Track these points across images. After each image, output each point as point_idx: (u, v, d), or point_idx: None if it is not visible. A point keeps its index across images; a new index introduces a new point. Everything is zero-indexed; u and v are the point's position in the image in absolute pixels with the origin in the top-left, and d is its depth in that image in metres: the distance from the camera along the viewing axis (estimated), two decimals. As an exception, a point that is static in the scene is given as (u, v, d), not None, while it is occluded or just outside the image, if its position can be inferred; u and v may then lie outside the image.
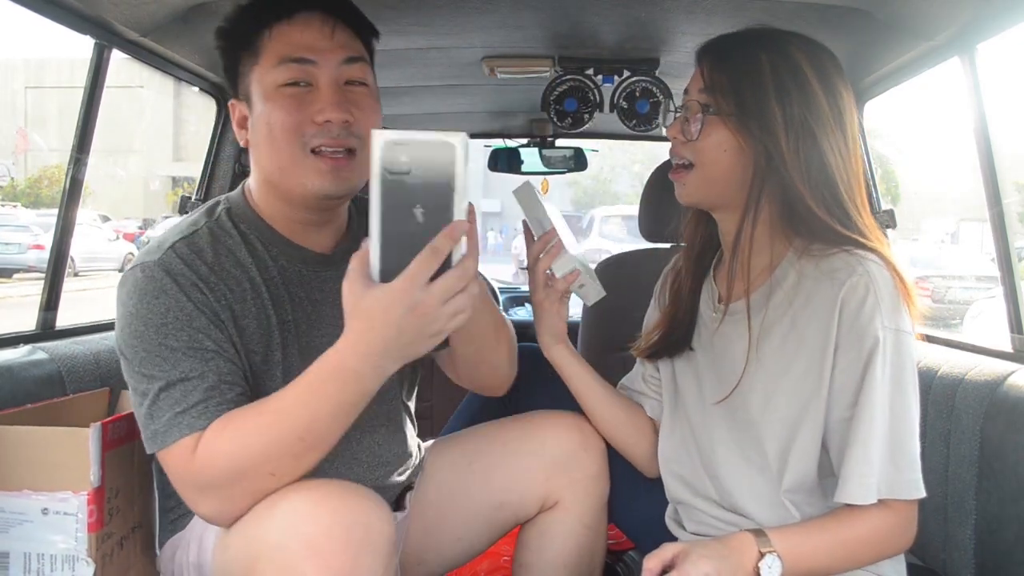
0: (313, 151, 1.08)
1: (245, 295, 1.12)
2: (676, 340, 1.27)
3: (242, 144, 1.16)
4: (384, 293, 0.89)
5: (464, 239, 0.90)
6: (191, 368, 1.02)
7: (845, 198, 1.11)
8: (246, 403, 1.07)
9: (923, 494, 1.06)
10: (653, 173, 2.04)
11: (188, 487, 1.03)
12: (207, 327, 1.05)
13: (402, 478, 1.30)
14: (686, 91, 1.20)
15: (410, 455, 1.32)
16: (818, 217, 1.10)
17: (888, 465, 1.04)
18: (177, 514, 1.20)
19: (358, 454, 1.21)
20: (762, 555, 1.03)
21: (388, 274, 0.90)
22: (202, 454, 0.99)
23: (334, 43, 1.10)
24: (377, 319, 0.90)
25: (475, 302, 0.94)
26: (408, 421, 1.35)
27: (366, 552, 0.89)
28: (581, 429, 1.35)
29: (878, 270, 1.06)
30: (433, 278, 0.89)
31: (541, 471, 1.32)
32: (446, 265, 0.90)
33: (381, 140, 0.87)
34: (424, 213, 0.89)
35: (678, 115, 1.19)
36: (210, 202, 1.22)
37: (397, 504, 1.31)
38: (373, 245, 0.90)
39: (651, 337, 1.33)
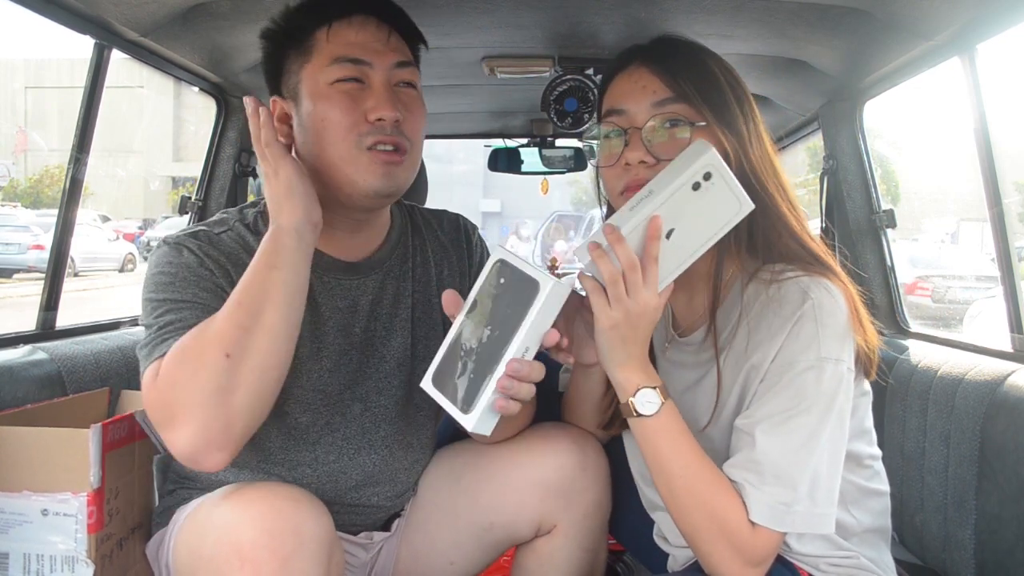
0: (368, 149, 1.10)
1: None
2: None
3: (281, 139, 1.13)
4: None
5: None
6: (188, 316, 1.04)
7: (798, 213, 1.06)
8: None
9: (785, 528, 0.97)
10: None
11: (157, 416, 0.99)
12: (212, 289, 1.08)
13: (391, 503, 1.27)
14: (617, 111, 1.08)
15: (410, 481, 1.30)
16: (778, 232, 1.05)
17: (775, 486, 0.96)
18: (163, 507, 1.22)
19: (347, 469, 1.19)
20: (654, 388, 0.99)
21: (439, 378, 0.99)
22: (162, 372, 0.98)
23: (388, 47, 1.13)
24: None
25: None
26: (429, 448, 1.32)
27: (297, 557, 0.89)
28: (581, 448, 1.24)
29: (828, 298, 0.99)
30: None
31: (535, 492, 1.23)
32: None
33: (497, 257, 0.96)
34: (489, 335, 0.94)
35: (612, 136, 1.08)
36: (251, 201, 1.24)
37: (385, 525, 1.29)
38: (443, 348, 0.99)
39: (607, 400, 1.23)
